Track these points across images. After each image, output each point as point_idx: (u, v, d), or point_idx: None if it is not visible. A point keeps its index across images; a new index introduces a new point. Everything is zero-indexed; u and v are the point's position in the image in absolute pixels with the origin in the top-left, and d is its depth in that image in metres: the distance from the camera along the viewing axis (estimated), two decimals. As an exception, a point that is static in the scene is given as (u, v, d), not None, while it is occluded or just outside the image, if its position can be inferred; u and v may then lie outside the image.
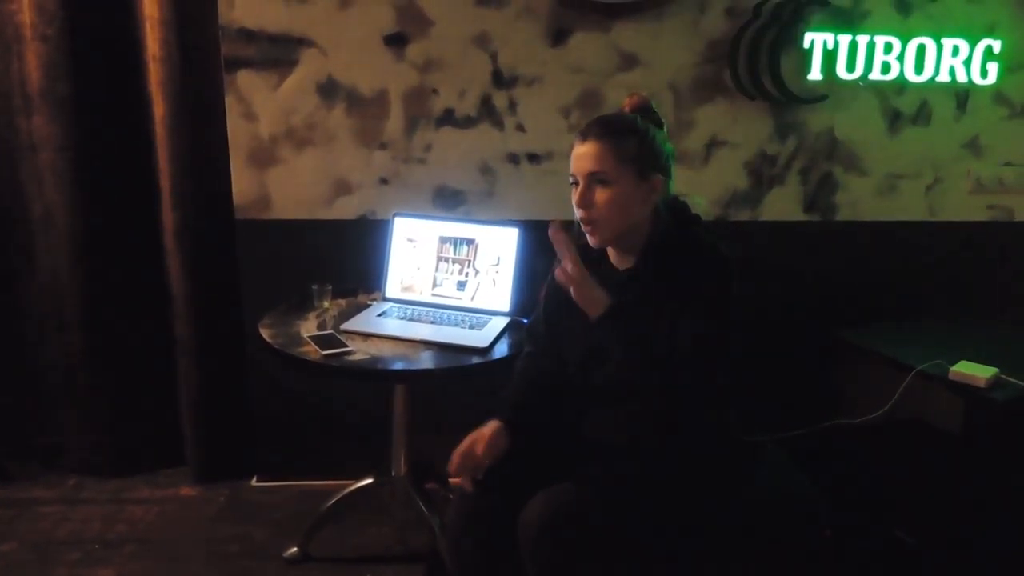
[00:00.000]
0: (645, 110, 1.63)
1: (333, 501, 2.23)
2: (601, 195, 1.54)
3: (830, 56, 2.37)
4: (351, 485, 2.25)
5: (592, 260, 1.67)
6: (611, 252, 1.65)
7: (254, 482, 2.61)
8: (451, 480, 1.65)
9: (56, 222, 2.42)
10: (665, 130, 1.65)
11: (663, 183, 1.57)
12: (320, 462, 2.60)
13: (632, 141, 1.54)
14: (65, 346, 2.53)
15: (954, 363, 2.01)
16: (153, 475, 2.63)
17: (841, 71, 2.39)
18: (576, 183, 1.57)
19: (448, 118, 2.37)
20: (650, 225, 1.60)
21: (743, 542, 1.67)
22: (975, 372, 1.97)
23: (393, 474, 2.19)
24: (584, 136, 1.56)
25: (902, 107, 2.50)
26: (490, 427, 1.63)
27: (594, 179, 1.54)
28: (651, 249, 1.58)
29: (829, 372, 2.42)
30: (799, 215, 2.57)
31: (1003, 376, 1.98)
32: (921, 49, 2.41)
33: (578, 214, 1.57)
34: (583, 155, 1.55)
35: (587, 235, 1.59)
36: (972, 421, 1.96)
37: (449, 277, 2.16)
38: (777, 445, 2.01)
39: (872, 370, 2.23)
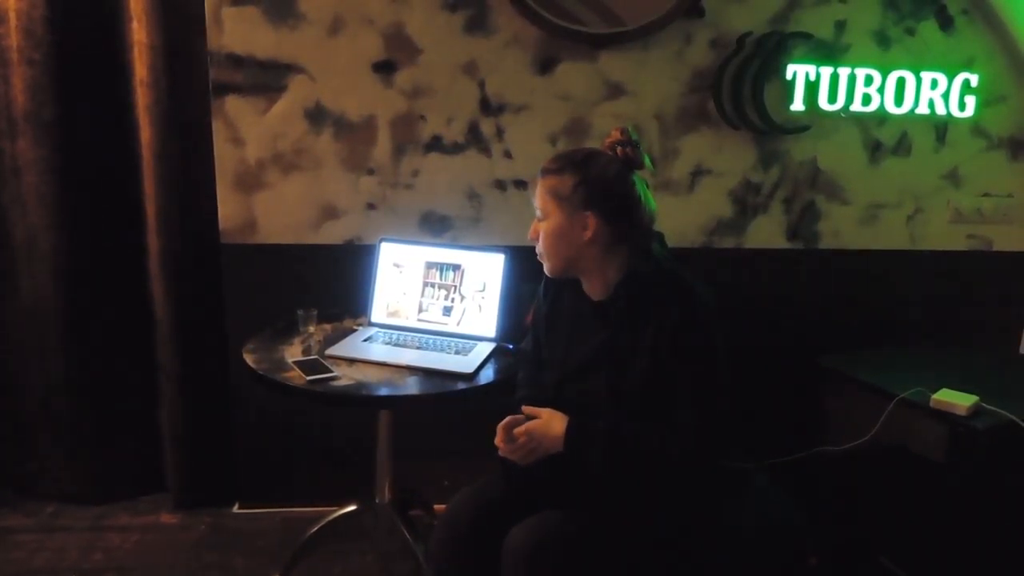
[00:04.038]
0: (623, 145, 1.60)
1: (316, 528, 2.21)
2: (540, 228, 1.62)
3: (812, 87, 2.42)
4: (334, 512, 2.23)
5: (570, 285, 1.69)
6: (583, 283, 1.67)
7: (236, 509, 2.58)
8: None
9: (39, 246, 2.40)
10: (644, 165, 1.62)
11: (600, 221, 1.56)
12: (303, 488, 2.57)
13: (569, 178, 1.57)
14: (45, 371, 2.50)
15: (935, 391, 2.03)
16: (133, 502, 2.59)
17: (823, 102, 2.43)
18: None
19: (436, 144, 2.39)
20: (620, 261, 1.60)
21: (728, 569, 1.67)
22: (956, 400, 1.98)
23: (377, 501, 2.17)
24: (540, 172, 1.63)
25: (883, 138, 2.55)
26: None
27: (538, 213, 1.62)
28: (625, 283, 1.60)
29: (812, 399, 2.43)
30: (782, 243, 2.60)
31: (984, 404, 2.00)
32: (901, 82, 2.45)
33: None
34: (537, 191, 1.63)
35: None
36: (954, 449, 1.97)
37: (435, 302, 2.16)
38: (761, 472, 2.01)
39: (854, 397, 2.24)
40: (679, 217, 2.51)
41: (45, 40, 2.27)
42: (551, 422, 1.56)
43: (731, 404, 1.56)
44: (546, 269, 1.67)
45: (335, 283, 2.38)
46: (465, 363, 1.94)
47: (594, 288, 1.64)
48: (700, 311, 1.54)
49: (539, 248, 1.64)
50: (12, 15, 2.26)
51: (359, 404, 1.96)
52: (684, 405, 1.52)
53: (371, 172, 2.39)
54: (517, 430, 1.58)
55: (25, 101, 2.31)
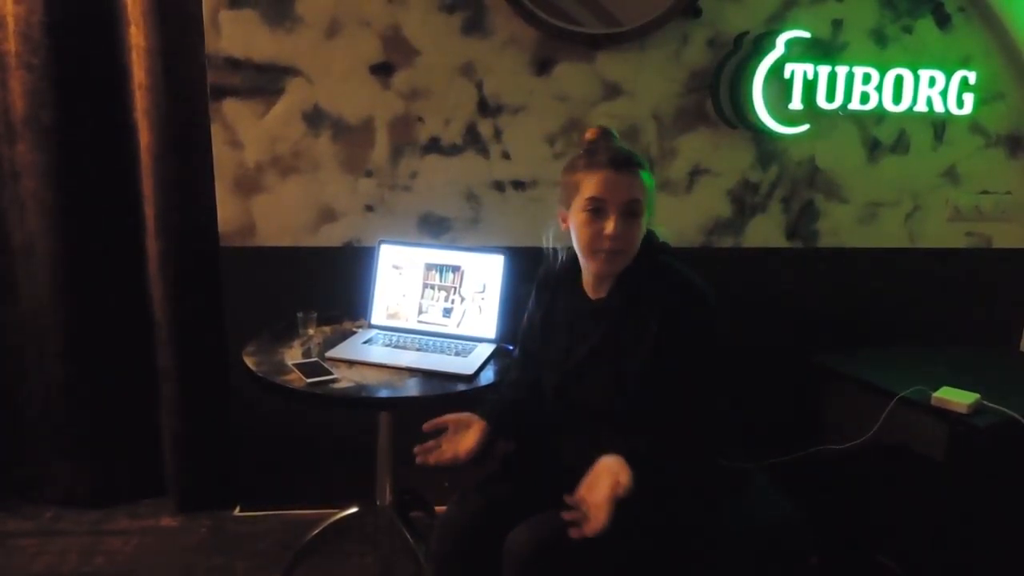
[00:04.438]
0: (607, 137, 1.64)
1: (317, 531, 2.20)
2: (632, 225, 1.55)
3: (810, 86, 2.41)
4: (335, 514, 2.23)
5: (565, 285, 1.69)
6: (588, 280, 1.66)
7: (237, 512, 2.58)
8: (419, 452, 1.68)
9: (37, 250, 2.40)
10: None
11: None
12: (304, 491, 2.57)
13: (649, 175, 1.58)
14: (45, 375, 2.50)
15: (936, 389, 2.03)
16: (133, 506, 2.59)
17: (821, 101, 2.43)
18: (598, 210, 1.53)
19: (434, 146, 2.39)
20: None
21: (728, 569, 1.67)
22: (957, 398, 1.98)
23: (378, 503, 2.17)
24: (617, 165, 1.54)
25: (881, 136, 2.55)
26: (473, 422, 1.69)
27: (628, 209, 1.53)
28: (624, 278, 1.60)
29: (812, 398, 2.43)
30: (781, 242, 2.60)
31: (984, 402, 2.00)
32: (899, 80, 2.45)
33: (604, 243, 1.54)
34: (619, 184, 1.53)
35: (602, 264, 1.57)
36: (955, 447, 1.97)
37: (435, 304, 2.16)
38: (761, 471, 2.01)
39: (854, 396, 2.24)
40: (678, 217, 2.51)
41: (43, 45, 2.27)
42: (604, 473, 1.47)
43: (729, 398, 1.57)
44: (613, 268, 1.58)
45: (334, 285, 2.38)
46: (465, 364, 1.94)
47: (601, 285, 1.64)
48: (701, 305, 1.55)
49: (621, 247, 1.55)
50: (10, 20, 2.26)
51: (359, 406, 1.96)
52: (686, 399, 1.53)
53: (369, 174, 2.39)
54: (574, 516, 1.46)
55: (23, 106, 2.31)
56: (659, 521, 1.58)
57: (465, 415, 1.70)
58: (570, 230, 1.61)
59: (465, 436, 1.67)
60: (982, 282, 2.71)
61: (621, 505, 1.54)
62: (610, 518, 1.40)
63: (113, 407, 2.55)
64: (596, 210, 1.54)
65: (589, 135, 1.64)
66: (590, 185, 1.54)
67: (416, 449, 1.66)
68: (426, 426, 1.68)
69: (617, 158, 1.55)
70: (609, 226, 1.53)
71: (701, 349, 1.54)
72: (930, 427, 2.02)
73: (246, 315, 2.36)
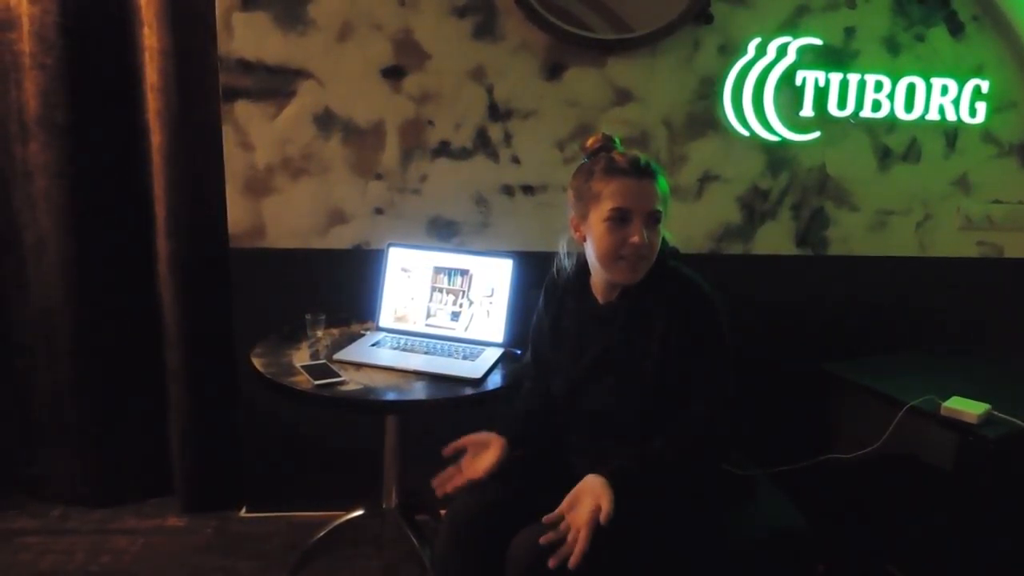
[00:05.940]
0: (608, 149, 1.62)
1: (322, 533, 2.20)
2: (655, 232, 1.55)
3: (822, 93, 2.41)
4: (341, 517, 2.23)
5: (574, 291, 1.69)
6: (599, 286, 1.66)
7: (243, 513, 2.58)
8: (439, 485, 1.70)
9: (49, 249, 2.41)
10: None
11: None
12: (310, 493, 2.57)
13: (665, 181, 1.57)
14: (54, 374, 2.51)
15: (945, 399, 2.01)
16: (140, 505, 2.59)
17: (832, 108, 2.43)
18: (622, 219, 1.53)
19: (444, 150, 2.39)
20: None
21: (736, 578, 1.66)
22: (967, 408, 1.97)
23: (384, 506, 2.17)
24: (640, 173, 1.53)
25: (892, 144, 2.54)
26: (491, 441, 1.68)
27: (652, 217, 1.54)
28: (635, 283, 1.59)
29: (821, 406, 2.42)
30: (791, 249, 2.59)
31: (995, 412, 1.99)
32: (911, 88, 2.45)
33: (628, 250, 1.53)
34: (642, 192, 1.53)
35: (625, 271, 1.56)
36: (964, 457, 1.96)
37: (443, 307, 2.16)
38: (769, 479, 2.00)
39: (863, 405, 2.23)
40: (687, 223, 2.50)
41: (57, 45, 2.28)
42: (586, 495, 1.46)
43: (737, 403, 1.57)
44: (635, 276, 1.57)
45: (343, 288, 2.38)
46: (473, 368, 1.93)
47: (611, 291, 1.63)
48: (707, 305, 1.56)
49: (645, 254, 1.54)
50: (25, 20, 2.28)
51: (366, 409, 1.96)
52: (695, 397, 1.53)
53: (379, 177, 2.39)
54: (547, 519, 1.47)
55: (37, 106, 2.32)
56: (663, 529, 1.57)
57: (483, 435, 1.70)
58: (586, 239, 1.60)
59: (484, 456, 1.67)
60: (993, 291, 2.70)
61: (617, 518, 1.54)
62: (590, 543, 1.40)
63: (121, 407, 2.56)
64: (620, 219, 1.52)
65: (591, 142, 1.63)
66: (613, 194, 1.53)
67: (434, 482, 1.67)
68: (446, 451, 1.69)
69: (637, 165, 1.54)
70: (635, 235, 1.52)
71: (710, 349, 1.54)
72: (939, 437, 2.00)
73: (255, 316, 2.37)
